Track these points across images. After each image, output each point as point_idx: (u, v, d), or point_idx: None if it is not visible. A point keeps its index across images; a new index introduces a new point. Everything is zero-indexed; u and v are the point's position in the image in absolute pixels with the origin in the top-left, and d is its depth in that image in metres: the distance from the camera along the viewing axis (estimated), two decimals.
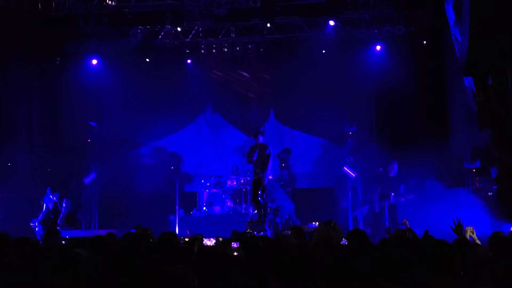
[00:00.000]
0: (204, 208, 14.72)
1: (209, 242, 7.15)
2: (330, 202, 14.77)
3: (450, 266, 3.89)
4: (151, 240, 6.95)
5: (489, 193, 12.27)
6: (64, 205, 12.92)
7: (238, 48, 15.65)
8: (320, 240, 5.00)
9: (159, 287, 3.26)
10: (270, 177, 13.33)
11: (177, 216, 13.92)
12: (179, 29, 15.17)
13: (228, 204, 14.64)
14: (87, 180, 15.26)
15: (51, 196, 12.85)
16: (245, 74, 16.50)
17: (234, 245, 5.13)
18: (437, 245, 4.16)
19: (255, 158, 12.60)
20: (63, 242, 7.90)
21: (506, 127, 10.96)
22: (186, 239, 8.52)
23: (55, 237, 7.36)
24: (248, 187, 14.49)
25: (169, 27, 15.07)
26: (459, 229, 5.20)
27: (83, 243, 6.13)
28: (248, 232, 9.74)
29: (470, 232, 6.18)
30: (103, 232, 9.84)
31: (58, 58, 15.90)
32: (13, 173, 13.63)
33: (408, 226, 7.95)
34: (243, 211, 14.39)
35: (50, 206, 12.88)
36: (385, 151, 14.06)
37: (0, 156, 13.63)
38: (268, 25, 14.97)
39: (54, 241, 7.04)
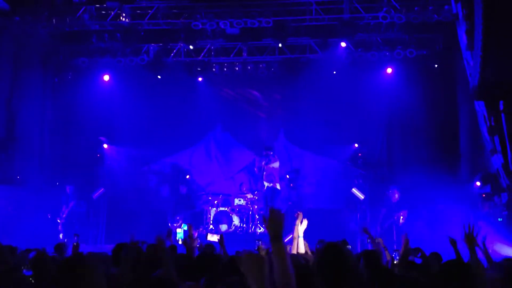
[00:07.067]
0: (211, 226, 14.69)
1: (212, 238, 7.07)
2: (338, 223, 14.67)
3: None
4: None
5: (499, 219, 12.16)
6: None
7: (249, 68, 15.73)
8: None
9: None
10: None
11: (183, 233, 13.88)
12: (191, 47, 15.27)
13: (235, 222, 14.60)
14: (95, 195, 15.28)
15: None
16: (255, 93, 16.57)
17: None
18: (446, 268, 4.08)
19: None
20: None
21: None
22: None
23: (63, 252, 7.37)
24: (256, 205, 14.63)
25: (182, 45, 15.21)
26: (471, 239, 4.57)
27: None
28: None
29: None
30: (110, 247, 9.79)
31: (71, 73, 16.05)
32: (23, 186, 13.68)
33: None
34: (250, 230, 14.33)
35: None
36: (395, 174, 14.02)
37: (10, 168, 13.69)
38: (280, 45, 15.07)
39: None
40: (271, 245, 3.02)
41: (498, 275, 4.22)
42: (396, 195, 13.54)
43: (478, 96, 11.20)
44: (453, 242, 5.97)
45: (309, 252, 6.39)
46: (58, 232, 13.64)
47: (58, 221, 13.77)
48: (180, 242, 12.75)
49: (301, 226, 6.54)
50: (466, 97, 12.74)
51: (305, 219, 6.58)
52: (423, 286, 4.12)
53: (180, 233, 13.83)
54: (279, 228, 3.03)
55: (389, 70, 15.21)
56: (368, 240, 10.67)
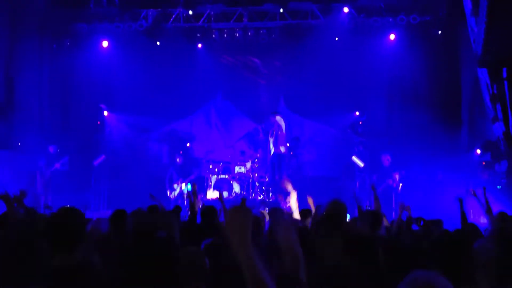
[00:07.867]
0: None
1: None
2: (337, 191, 14.67)
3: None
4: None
5: (498, 186, 12.17)
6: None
7: (249, 34, 15.50)
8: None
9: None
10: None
11: (184, 200, 13.92)
12: (190, 12, 15.04)
13: (236, 190, 14.64)
14: (97, 162, 15.29)
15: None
16: (256, 60, 16.38)
17: None
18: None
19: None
20: None
21: None
22: None
23: None
24: (256, 173, 14.66)
25: (181, 10, 14.97)
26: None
27: None
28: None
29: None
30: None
31: (69, 39, 15.85)
32: (23, 153, 13.65)
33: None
34: (250, 197, 14.37)
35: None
36: (396, 141, 13.98)
37: (9, 136, 13.65)
38: (281, 10, 14.83)
39: None
40: (236, 252, 2.27)
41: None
42: (388, 160, 13.58)
43: (481, 63, 11.07)
44: (460, 201, 6.06)
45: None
46: (39, 194, 13.49)
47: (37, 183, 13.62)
48: (185, 197, 12.89)
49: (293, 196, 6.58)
50: (469, 64, 12.60)
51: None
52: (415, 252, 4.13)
53: (185, 188, 13.98)
54: (245, 232, 2.27)
55: (392, 37, 15.00)
56: (367, 206, 10.67)
